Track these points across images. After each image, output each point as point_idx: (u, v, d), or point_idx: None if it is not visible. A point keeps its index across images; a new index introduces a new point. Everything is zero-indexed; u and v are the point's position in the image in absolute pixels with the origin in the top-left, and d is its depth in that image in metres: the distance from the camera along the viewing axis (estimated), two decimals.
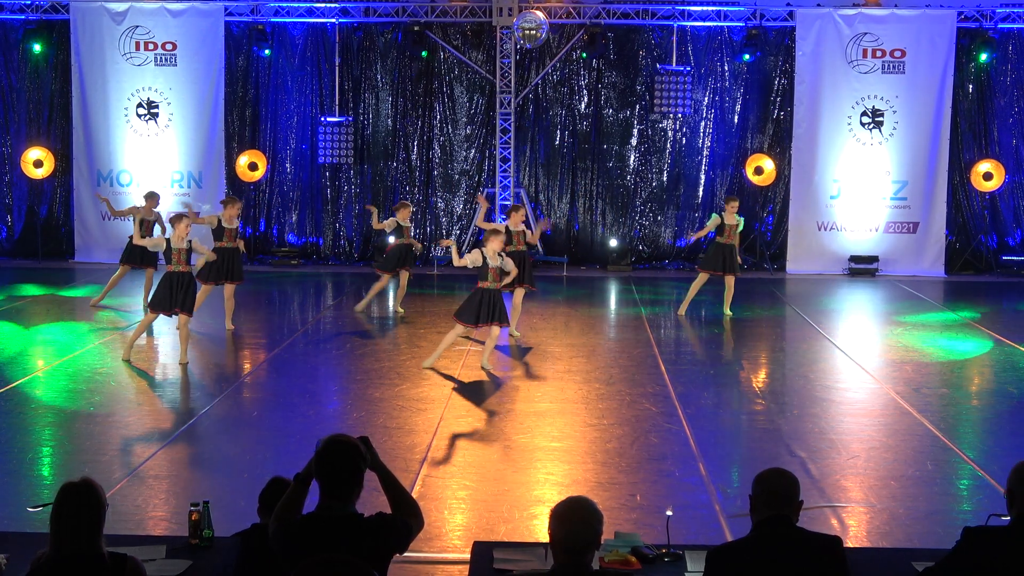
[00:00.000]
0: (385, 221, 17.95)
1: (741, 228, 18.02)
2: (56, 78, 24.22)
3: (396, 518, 5.06)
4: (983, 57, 23.12)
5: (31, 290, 20.15)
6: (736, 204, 18.04)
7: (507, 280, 13.96)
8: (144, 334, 15.21)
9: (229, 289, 16.35)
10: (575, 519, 4.61)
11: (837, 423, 11.95)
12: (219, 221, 16.20)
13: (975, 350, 16.05)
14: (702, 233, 19.36)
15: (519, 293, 16.05)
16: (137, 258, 17.69)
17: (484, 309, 13.72)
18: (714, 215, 18.15)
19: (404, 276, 18.08)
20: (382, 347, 15.81)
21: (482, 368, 13.98)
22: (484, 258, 13.73)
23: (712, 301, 18.69)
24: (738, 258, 18.05)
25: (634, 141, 24.30)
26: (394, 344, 16.00)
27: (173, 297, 13.94)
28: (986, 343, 16.48)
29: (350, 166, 24.22)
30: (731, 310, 18.13)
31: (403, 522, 5.05)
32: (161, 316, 14.17)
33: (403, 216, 17.92)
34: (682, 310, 18.15)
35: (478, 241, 23.80)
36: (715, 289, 18.60)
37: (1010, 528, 5.14)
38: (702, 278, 17.99)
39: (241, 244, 16.59)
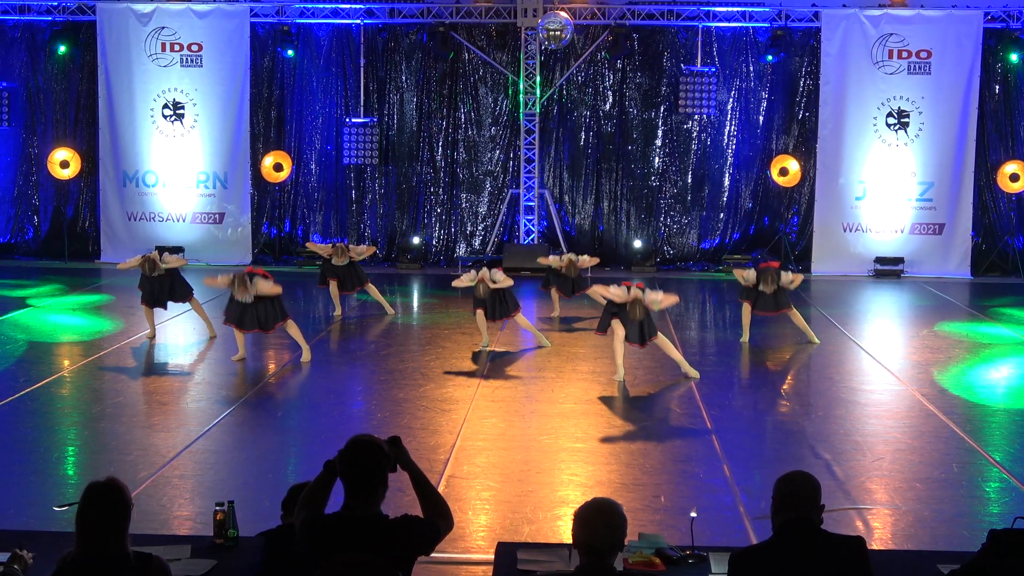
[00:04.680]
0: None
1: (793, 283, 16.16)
2: (82, 79, 24.34)
3: (422, 520, 5.04)
4: (1014, 57, 23.00)
5: (57, 290, 20.24)
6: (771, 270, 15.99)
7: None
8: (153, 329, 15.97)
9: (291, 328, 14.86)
10: (599, 521, 4.61)
11: (862, 425, 11.90)
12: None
13: (1001, 352, 15.96)
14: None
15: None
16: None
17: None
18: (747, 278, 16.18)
19: (370, 288, 18.43)
20: (406, 348, 15.82)
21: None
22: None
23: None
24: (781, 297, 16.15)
25: (659, 142, 24.27)
26: (418, 345, 16.02)
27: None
28: (1012, 345, 16.40)
29: (375, 167, 24.26)
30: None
31: (429, 524, 5.04)
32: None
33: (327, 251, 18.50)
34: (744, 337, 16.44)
35: (503, 242, 23.85)
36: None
37: None
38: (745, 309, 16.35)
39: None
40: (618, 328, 13.63)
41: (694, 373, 13.75)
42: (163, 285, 15.85)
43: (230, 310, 14.47)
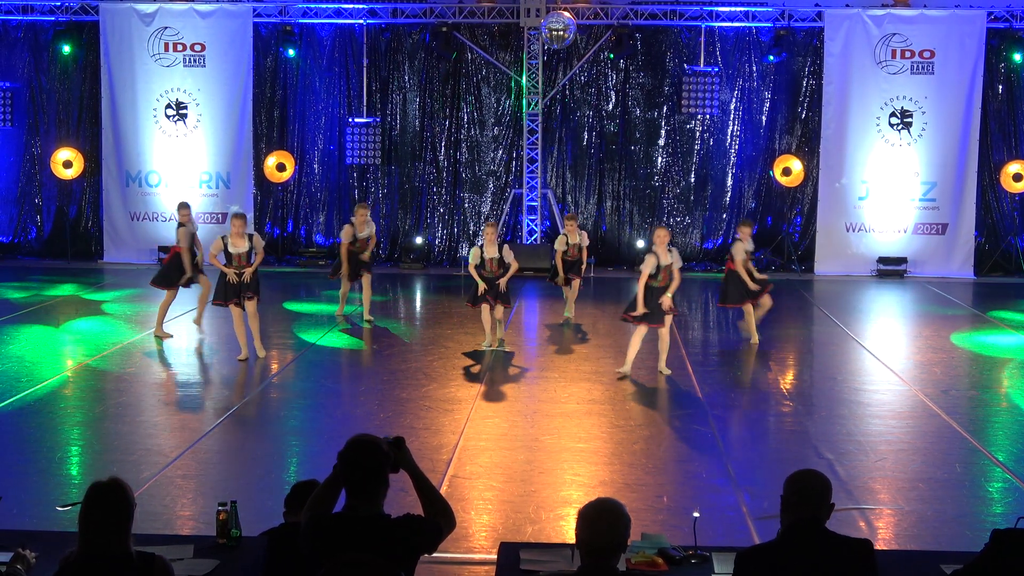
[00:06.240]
0: (344, 232, 17.35)
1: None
2: (85, 79, 24.34)
3: (424, 519, 5.04)
4: (1017, 57, 22.98)
5: (60, 290, 20.25)
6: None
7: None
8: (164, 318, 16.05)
9: (251, 307, 14.70)
10: (602, 521, 4.60)
11: (865, 425, 11.90)
12: (224, 244, 14.68)
13: (1004, 352, 15.95)
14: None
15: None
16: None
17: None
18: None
19: (365, 280, 17.60)
20: (409, 348, 15.83)
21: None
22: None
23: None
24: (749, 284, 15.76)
25: (661, 142, 24.25)
26: (421, 345, 16.02)
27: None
28: (1015, 345, 16.39)
29: (377, 167, 24.26)
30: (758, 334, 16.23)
31: (431, 523, 5.04)
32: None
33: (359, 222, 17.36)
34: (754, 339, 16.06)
35: (506, 242, 23.83)
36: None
37: None
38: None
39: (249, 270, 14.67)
40: (640, 326, 13.70)
41: (666, 371, 13.97)
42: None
43: (218, 289, 14.74)
